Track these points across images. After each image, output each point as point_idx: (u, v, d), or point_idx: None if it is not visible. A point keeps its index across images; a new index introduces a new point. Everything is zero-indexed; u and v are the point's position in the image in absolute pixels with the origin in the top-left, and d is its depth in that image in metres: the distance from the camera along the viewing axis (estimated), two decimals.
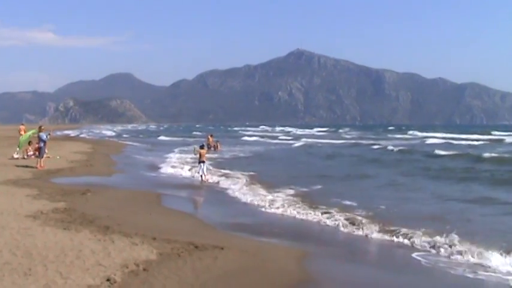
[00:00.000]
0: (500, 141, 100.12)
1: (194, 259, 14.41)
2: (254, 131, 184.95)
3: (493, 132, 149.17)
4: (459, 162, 50.28)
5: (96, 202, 24.61)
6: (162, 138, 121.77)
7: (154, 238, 16.37)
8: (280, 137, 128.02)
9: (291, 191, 30.27)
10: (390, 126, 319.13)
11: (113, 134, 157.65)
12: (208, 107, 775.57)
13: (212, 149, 68.62)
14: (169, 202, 26.97)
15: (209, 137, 74.96)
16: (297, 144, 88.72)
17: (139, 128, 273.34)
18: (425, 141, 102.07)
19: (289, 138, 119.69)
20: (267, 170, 43.68)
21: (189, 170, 42.04)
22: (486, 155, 53.62)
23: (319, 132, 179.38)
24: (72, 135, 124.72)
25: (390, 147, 72.52)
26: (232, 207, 26.60)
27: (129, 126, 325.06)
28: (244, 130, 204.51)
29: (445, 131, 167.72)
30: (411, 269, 15.72)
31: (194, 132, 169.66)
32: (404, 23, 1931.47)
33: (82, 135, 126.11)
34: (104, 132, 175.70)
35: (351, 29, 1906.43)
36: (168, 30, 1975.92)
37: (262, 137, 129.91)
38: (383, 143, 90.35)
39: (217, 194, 31.14)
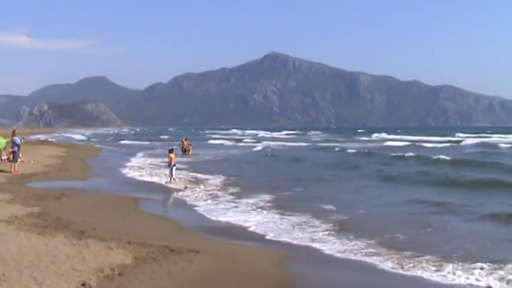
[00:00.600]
0: (459, 142, 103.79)
1: (169, 263, 14.39)
2: (223, 134, 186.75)
3: (457, 134, 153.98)
4: (401, 163, 53.64)
5: (71, 206, 24.50)
6: (124, 142, 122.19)
7: (129, 242, 16.32)
8: (245, 140, 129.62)
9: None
10: (364, 128, 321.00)
11: (83, 138, 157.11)
12: (184, 111, 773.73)
13: (185, 152, 68.74)
14: (144, 206, 26.91)
15: (183, 140, 74.91)
16: (258, 147, 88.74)
17: (111, 132, 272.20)
18: (384, 143, 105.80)
19: (254, 141, 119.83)
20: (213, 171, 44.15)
21: (163, 175, 41.93)
22: (436, 157, 55.30)
23: (286, 136, 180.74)
24: (42, 139, 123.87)
25: (349, 150, 75.09)
26: (218, 209, 26.60)
27: (101, 130, 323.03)
28: (213, 133, 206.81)
29: (415, 133, 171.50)
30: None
31: (162, 136, 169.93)
32: (379, 26, 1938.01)
33: (51, 139, 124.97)
34: (73, 136, 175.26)
35: (326, 32, 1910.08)
36: (143, 34, 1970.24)
37: (229, 140, 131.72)
38: (348, 145, 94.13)
39: (196, 197, 31.15)
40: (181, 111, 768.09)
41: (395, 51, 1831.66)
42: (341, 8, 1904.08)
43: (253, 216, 23.99)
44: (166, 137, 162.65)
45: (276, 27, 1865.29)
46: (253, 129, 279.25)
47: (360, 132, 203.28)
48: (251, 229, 21.24)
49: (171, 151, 38.81)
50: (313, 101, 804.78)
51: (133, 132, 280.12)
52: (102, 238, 16.77)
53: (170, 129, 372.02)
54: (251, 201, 28.43)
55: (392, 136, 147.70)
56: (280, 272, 14.82)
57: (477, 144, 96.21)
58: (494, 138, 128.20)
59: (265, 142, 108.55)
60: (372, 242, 18.81)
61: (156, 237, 18.25)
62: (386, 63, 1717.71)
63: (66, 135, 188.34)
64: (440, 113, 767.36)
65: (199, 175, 41.65)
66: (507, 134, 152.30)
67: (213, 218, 23.67)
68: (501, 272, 14.64)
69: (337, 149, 79.90)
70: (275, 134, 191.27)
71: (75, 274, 12.86)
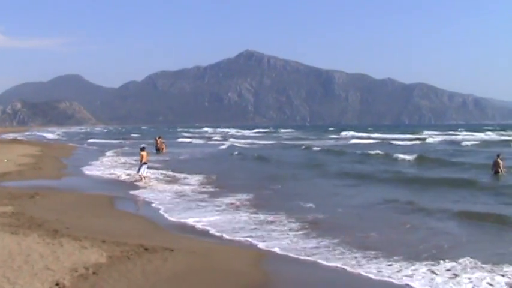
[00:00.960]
0: (423, 140, 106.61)
1: (144, 261, 14.37)
2: (194, 133, 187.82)
3: (426, 132, 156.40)
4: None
5: (45, 205, 24.42)
6: (92, 140, 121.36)
7: (103, 241, 16.28)
8: (214, 138, 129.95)
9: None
10: (338, 126, 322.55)
11: (54, 136, 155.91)
12: (158, 109, 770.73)
13: (159, 151, 68.86)
14: (117, 205, 26.89)
15: (157, 138, 74.92)
16: (224, 146, 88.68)
17: (83, 131, 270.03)
18: (349, 141, 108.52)
19: (222, 139, 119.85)
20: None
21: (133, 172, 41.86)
22: (400, 155, 56.27)
23: (256, 134, 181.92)
24: (12, 137, 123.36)
25: (315, 148, 77.55)
26: (180, 209, 26.55)
27: (74, 129, 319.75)
28: (184, 131, 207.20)
29: (385, 131, 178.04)
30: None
31: (133, 134, 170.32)
32: (354, 24, 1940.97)
33: (20, 138, 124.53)
34: (44, 134, 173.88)
35: (301, 30, 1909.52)
36: (117, 32, 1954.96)
37: (199, 138, 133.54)
38: (316, 143, 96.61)
39: (163, 196, 31.13)
40: (155, 110, 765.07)
41: (370, 50, 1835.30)
42: (316, 7, 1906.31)
43: (218, 216, 23.93)
44: (137, 135, 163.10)
45: (250, 25, 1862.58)
46: (225, 128, 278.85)
47: (330, 130, 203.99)
48: (210, 229, 21.12)
49: (142, 149, 38.78)
50: (287, 99, 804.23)
51: (105, 130, 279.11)
52: (76, 237, 16.69)
53: (143, 127, 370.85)
54: (225, 200, 28.46)
55: (360, 134, 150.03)
56: (255, 271, 14.84)
57: (441, 142, 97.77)
58: (462, 136, 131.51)
59: (232, 140, 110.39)
60: (337, 240, 18.87)
61: (130, 235, 18.22)
62: (361, 62, 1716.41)
63: (39, 133, 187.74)
64: (415, 111, 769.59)
65: (174, 174, 41.66)
66: (478, 132, 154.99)
67: (181, 219, 23.50)
68: (460, 274, 14.67)
69: (303, 147, 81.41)
70: (246, 132, 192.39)
71: (48, 273, 12.79)
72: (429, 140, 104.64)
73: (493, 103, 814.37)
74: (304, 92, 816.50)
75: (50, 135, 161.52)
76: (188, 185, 35.42)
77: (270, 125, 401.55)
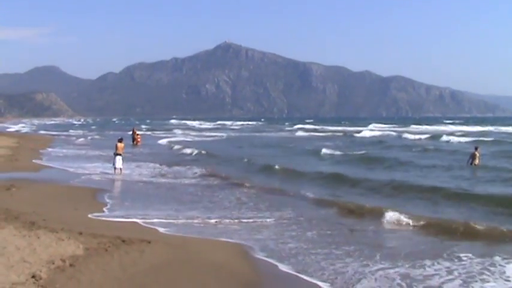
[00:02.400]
0: (359, 132, 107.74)
1: (121, 253, 14.35)
2: (155, 125, 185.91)
3: (375, 125, 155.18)
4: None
5: (22, 197, 24.32)
6: (42, 132, 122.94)
7: (80, 233, 16.23)
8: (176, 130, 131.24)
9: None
10: (316, 118, 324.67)
11: (17, 128, 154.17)
12: (136, 101, 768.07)
13: (135, 142, 69.04)
14: (93, 196, 26.82)
15: (134, 130, 75.11)
16: (164, 142, 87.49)
17: (57, 123, 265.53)
18: (295, 133, 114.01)
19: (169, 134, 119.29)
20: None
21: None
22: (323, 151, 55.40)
23: (214, 126, 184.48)
24: None
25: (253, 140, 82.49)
26: (161, 198, 26.54)
27: (45, 121, 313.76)
28: (149, 124, 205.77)
29: (347, 124, 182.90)
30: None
31: (93, 126, 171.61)
32: (332, 17, 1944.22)
33: None
34: (12, 126, 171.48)
35: (279, 22, 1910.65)
36: (95, 23, 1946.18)
37: (151, 131, 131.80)
38: (263, 135, 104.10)
39: (136, 185, 31.21)
40: (133, 101, 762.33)
41: (348, 42, 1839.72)
42: None
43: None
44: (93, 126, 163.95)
45: (228, 17, 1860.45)
46: (196, 120, 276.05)
47: (287, 124, 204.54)
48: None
49: (120, 140, 38.68)
50: (265, 91, 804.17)
51: (79, 123, 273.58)
52: (53, 229, 16.62)
53: (114, 119, 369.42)
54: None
55: (307, 126, 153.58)
56: (232, 262, 14.87)
57: (380, 136, 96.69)
58: (412, 128, 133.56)
59: (180, 132, 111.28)
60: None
61: (108, 227, 18.19)
62: (339, 54, 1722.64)
63: (5, 125, 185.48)
64: (392, 103, 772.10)
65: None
66: (435, 124, 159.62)
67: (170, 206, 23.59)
68: None
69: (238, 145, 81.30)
70: (206, 125, 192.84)
71: (25, 266, 12.72)
72: (365, 134, 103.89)
73: (470, 96, 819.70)
74: (281, 84, 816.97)
75: (14, 128, 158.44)
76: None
77: (247, 117, 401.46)
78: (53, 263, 13.03)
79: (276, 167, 40.00)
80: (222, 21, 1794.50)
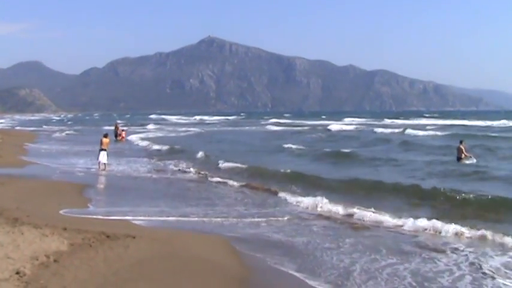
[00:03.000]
0: (326, 126, 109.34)
1: (105, 248, 14.31)
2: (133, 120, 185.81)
3: (346, 119, 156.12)
4: None
5: (5, 194, 24.21)
6: (19, 128, 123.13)
7: (65, 229, 16.16)
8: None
9: None
10: (300, 113, 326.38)
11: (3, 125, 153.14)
12: (120, 96, 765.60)
13: (119, 137, 69.00)
14: (78, 192, 26.78)
15: (116, 125, 75.23)
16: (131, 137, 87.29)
17: (37, 118, 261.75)
18: (266, 127, 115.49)
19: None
20: None
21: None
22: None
23: (194, 121, 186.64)
24: None
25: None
26: (143, 193, 26.55)
27: (27, 117, 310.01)
28: (126, 119, 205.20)
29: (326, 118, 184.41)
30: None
31: (69, 122, 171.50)
32: (316, 11, 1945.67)
33: None
34: None
35: (263, 16, 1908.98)
36: (78, 18, 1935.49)
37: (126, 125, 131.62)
38: (236, 129, 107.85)
39: (121, 180, 31.25)
40: (117, 96, 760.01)
41: (332, 36, 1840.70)
42: None
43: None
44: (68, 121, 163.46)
45: (212, 11, 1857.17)
46: (177, 115, 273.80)
47: (265, 118, 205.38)
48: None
49: (105, 135, 38.61)
50: (249, 85, 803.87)
51: (57, 118, 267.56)
52: (37, 225, 16.55)
53: (95, 114, 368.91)
54: None
55: (279, 120, 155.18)
56: (217, 256, 14.89)
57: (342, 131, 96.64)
58: (386, 122, 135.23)
59: (150, 126, 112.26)
60: None
61: (92, 223, 18.16)
62: (323, 48, 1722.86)
63: None
64: (376, 97, 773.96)
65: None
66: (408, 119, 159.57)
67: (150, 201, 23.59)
68: None
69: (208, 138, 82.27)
70: (184, 120, 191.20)
71: (9, 262, 12.65)
72: (333, 127, 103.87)
73: (454, 90, 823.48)
74: (265, 79, 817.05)
75: None
76: None
77: (231, 112, 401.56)
78: (37, 259, 12.97)
79: (222, 164, 39.30)
80: (206, 16, 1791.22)
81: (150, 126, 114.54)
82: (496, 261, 14.93)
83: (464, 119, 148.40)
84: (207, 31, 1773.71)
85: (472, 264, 14.59)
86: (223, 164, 38.44)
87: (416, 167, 37.14)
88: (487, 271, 13.98)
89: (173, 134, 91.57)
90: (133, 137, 74.58)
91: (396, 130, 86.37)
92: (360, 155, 45.14)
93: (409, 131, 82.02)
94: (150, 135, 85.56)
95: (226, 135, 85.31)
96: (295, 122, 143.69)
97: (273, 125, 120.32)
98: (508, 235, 17.32)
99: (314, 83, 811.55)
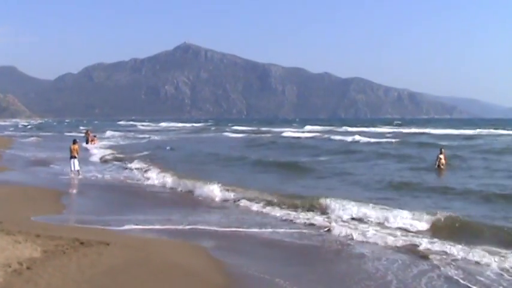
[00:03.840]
0: (279, 133, 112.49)
1: (79, 255, 14.22)
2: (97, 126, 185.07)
3: (307, 128, 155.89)
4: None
5: None
6: None
7: (38, 235, 16.05)
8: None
9: None
10: (275, 120, 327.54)
11: None
12: (94, 102, 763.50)
13: (90, 143, 69.84)
14: (54, 198, 26.64)
15: (87, 131, 75.73)
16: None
17: (7, 124, 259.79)
18: (223, 134, 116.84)
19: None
20: None
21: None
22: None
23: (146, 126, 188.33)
24: None
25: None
26: (121, 202, 26.48)
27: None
28: (96, 125, 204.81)
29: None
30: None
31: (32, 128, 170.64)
32: (291, 19, 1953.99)
33: None
34: None
35: (239, 23, 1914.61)
36: (53, 23, 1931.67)
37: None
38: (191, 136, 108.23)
39: (93, 187, 31.16)
40: (92, 102, 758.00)
41: (307, 44, 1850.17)
42: (253, 0, 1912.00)
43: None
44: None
45: (188, 18, 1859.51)
46: (137, 121, 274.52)
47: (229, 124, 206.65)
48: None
49: (74, 142, 38.43)
50: (224, 92, 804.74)
51: (22, 125, 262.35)
52: (10, 232, 16.41)
53: (67, 120, 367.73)
54: None
55: (241, 128, 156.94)
56: (192, 263, 14.86)
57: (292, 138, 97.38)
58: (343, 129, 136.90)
59: (108, 133, 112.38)
60: None
61: (66, 229, 18.07)
62: (298, 56, 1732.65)
63: None
64: (351, 105, 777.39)
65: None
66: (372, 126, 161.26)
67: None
68: None
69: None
70: (151, 126, 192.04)
71: None
72: (286, 134, 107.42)
73: (428, 98, 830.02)
74: (241, 86, 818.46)
75: None
76: None
77: (206, 118, 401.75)
78: (10, 266, 12.87)
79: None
80: (182, 22, 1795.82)
81: (109, 133, 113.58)
82: None
83: (426, 127, 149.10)
84: (182, 37, 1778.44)
85: None
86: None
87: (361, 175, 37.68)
88: None
89: (124, 142, 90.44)
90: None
91: (349, 138, 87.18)
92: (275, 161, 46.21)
93: (358, 137, 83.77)
94: (105, 142, 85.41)
95: (178, 142, 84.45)
96: (258, 129, 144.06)
97: (231, 133, 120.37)
98: None
99: (289, 90, 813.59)
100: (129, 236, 18.07)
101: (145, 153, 56.56)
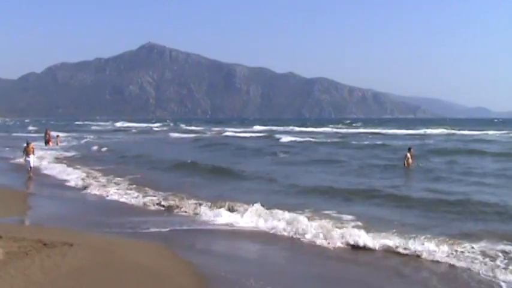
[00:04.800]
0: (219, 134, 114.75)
1: (42, 257, 14.07)
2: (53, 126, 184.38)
3: (257, 127, 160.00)
4: None
5: None
6: None
7: (0, 237, 15.90)
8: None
9: None
10: (239, 119, 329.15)
11: None
12: (58, 101, 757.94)
13: (50, 143, 70.57)
14: (16, 199, 26.45)
15: (47, 131, 75.42)
16: None
17: None
18: (169, 134, 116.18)
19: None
20: None
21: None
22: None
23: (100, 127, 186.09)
24: None
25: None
26: (81, 202, 26.34)
27: None
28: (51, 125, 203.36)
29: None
30: None
31: None
32: (255, 18, 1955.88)
33: None
34: None
35: (203, 23, 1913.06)
36: (16, 21, 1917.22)
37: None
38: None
39: (61, 189, 30.90)
40: (56, 102, 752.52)
41: (272, 44, 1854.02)
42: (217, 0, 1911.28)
43: None
44: None
45: (152, 17, 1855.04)
46: (105, 121, 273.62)
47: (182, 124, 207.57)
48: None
49: (28, 144, 38.20)
50: (189, 92, 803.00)
51: None
52: None
53: (27, 120, 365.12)
54: None
55: (191, 128, 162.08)
56: (159, 264, 14.79)
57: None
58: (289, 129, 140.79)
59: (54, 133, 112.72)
60: None
61: (28, 231, 17.92)
62: (263, 56, 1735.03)
63: None
64: (315, 105, 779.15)
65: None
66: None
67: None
68: None
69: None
70: (108, 127, 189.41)
71: None
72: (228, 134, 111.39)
73: (392, 98, 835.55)
74: (205, 85, 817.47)
75: None
76: None
77: (171, 118, 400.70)
78: None
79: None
80: (146, 22, 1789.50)
81: (53, 133, 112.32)
82: None
83: (379, 127, 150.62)
84: (147, 37, 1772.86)
85: None
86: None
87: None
88: None
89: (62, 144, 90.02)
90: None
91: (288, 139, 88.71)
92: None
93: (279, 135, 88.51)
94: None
95: (116, 144, 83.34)
96: (209, 129, 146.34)
97: (177, 133, 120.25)
98: None
99: (254, 90, 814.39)
100: (93, 236, 17.93)
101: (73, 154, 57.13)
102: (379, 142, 71.23)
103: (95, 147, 68.24)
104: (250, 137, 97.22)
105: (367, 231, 18.38)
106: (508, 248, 16.26)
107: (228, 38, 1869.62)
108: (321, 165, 44.00)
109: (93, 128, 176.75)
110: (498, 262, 15.15)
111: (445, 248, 16.41)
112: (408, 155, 40.26)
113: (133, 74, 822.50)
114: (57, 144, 71.82)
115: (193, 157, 49.44)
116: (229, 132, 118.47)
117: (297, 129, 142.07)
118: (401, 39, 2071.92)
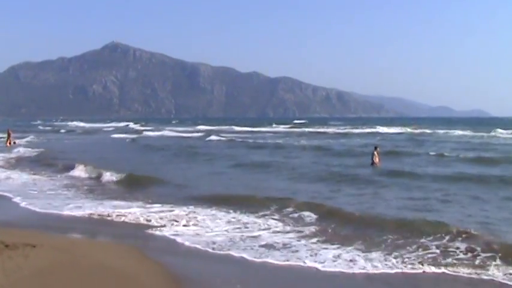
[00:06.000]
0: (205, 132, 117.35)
1: (4, 258, 13.82)
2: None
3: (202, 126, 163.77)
4: None
5: None
6: None
7: None
8: None
9: None
10: (204, 119, 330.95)
11: None
12: (21, 101, 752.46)
13: (13, 143, 71.25)
14: None
15: (9, 131, 75.68)
16: None
17: None
18: (112, 135, 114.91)
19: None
20: None
21: None
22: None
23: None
24: None
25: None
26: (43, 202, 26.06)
27: None
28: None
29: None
30: None
31: None
32: (220, 17, 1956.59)
33: None
34: None
35: (167, 22, 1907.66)
36: None
37: None
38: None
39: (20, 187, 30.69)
40: (18, 102, 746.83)
41: (236, 43, 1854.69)
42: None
43: None
44: None
45: (116, 16, 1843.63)
46: (74, 121, 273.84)
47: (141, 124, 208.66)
48: None
49: None
50: (153, 91, 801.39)
51: None
52: None
53: None
54: None
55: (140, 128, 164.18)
56: (125, 264, 14.65)
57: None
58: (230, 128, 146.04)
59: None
60: None
61: None
62: (227, 55, 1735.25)
63: None
64: (279, 104, 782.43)
65: None
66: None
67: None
68: None
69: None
70: (50, 127, 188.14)
71: None
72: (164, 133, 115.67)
73: (356, 97, 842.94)
74: (169, 85, 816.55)
75: None
76: None
77: (135, 118, 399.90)
78: None
79: None
80: (110, 21, 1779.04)
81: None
82: None
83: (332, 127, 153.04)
84: (110, 36, 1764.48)
85: None
86: None
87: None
88: None
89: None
90: None
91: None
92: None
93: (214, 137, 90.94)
94: None
95: (53, 143, 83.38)
96: (156, 128, 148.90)
97: (121, 133, 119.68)
98: None
99: (218, 90, 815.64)
100: (56, 237, 17.75)
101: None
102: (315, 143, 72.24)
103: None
104: (185, 137, 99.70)
105: None
106: None
107: (192, 37, 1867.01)
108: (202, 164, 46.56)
109: (40, 128, 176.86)
110: None
111: None
112: (375, 153, 40.55)
113: (97, 73, 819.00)
114: (14, 143, 72.52)
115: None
116: (169, 132, 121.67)
117: (237, 128, 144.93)
118: (364, 38, 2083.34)
